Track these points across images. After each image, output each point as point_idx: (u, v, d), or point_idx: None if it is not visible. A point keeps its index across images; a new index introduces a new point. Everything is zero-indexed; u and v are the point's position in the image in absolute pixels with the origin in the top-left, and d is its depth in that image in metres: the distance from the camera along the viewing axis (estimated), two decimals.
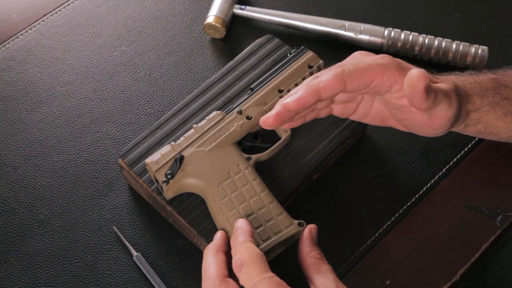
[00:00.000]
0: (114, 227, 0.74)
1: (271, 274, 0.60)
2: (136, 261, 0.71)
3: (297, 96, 0.65)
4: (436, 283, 0.70)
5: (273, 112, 0.66)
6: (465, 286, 0.74)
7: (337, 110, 0.72)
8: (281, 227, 0.66)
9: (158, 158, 0.70)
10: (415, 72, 0.62)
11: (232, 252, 0.63)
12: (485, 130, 0.73)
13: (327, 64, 0.79)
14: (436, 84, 0.66)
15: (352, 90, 0.66)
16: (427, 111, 0.66)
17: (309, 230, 0.65)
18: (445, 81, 0.69)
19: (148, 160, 0.71)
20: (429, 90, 0.63)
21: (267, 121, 0.66)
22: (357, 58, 0.69)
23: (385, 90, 0.67)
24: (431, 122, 0.68)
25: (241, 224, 0.65)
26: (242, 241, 0.63)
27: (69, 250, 0.73)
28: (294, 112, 0.66)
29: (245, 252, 0.62)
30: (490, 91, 0.71)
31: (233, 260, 0.62)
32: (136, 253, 0.72)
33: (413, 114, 0.68)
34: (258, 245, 0.64)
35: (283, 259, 0.66)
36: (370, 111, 0.72)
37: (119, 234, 0.73)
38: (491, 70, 0.73)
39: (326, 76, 0.65)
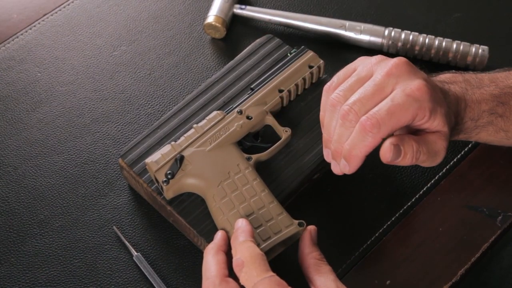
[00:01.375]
0: (114, 227, 0.74)
1: (271, 273, 0.60)
2: (136, 261, 0.71)
3: (351, 169, 0.66)
4: (436, 283, 0.70)
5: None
6: (465, 286, 0.74)
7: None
8: (281, 227, 0.66)
9: (158, 158, 0.70)
10: (382, 152, 0.65)
11: (233, 252, 0.63)
12: (475, 141, 0.74)
13: (327, 64, 0.79)
14: (425, 138, 0.66)
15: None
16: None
17: (309, 231, 0.65)
18: (452, 106, 0.68)
19: (148, 160, 0.71)
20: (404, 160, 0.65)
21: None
22: (366, 65, 0.67)
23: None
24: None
25: (242, 224, 0.65)
26: (242, 240, 0.63)
27: (69, 250, 0.73)
28: None
29: (246, 252, 0.62)
30: (485, 112, 0.70)
31: (234, 260, 0.62)
32: (136, 253, 0.72)
33: None
34: (258, 245, 0.64)
35: (283, 259, 0.66)
36: None
37: (119, 234, 0.73)
38: (494, 81, 0.72)
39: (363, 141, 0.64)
